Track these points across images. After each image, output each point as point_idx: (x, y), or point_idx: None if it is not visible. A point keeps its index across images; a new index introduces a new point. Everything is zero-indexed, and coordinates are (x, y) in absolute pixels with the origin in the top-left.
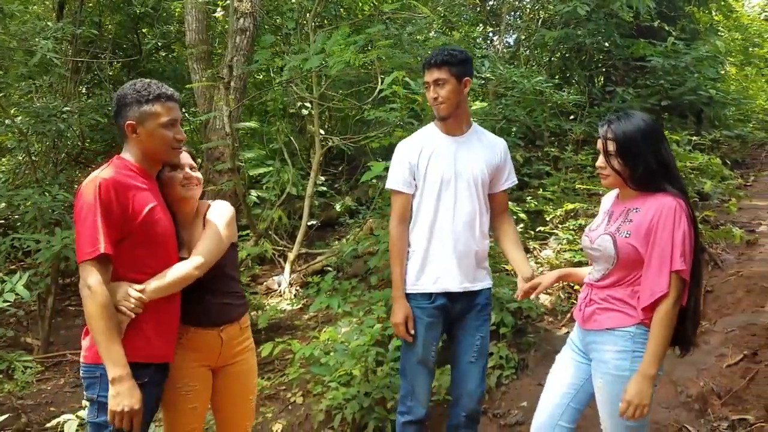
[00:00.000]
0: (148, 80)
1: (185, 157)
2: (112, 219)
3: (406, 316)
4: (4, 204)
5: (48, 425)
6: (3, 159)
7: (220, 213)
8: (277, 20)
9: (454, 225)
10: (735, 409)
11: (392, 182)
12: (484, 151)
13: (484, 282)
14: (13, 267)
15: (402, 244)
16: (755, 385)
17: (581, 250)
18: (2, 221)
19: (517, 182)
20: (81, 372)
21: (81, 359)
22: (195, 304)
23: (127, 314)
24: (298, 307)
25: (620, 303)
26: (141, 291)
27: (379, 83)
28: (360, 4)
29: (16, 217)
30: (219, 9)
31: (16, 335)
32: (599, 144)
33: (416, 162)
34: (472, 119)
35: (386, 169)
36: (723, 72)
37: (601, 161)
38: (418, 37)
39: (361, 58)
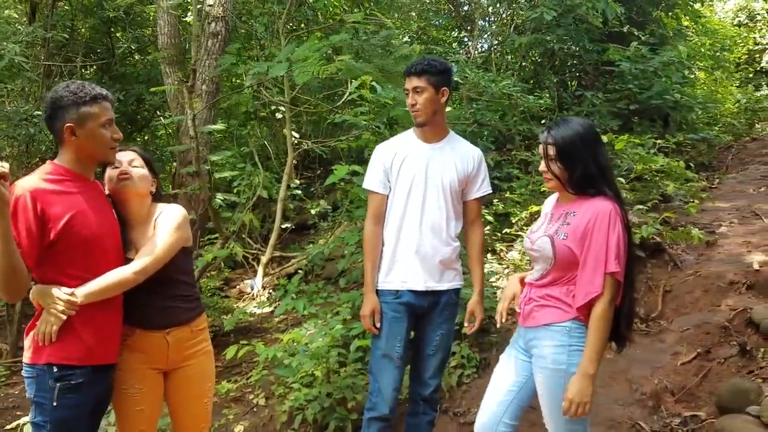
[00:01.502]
0: (80, 81)
1: (123, 155)
2: (28, 227)
3: (373, 310)
4: None
5: (8, 427)
6: None
7: (170, 217)
8: (252, 24)
9: (421, 228)
10: (688, 405)
11: (368, 183)
12: (457, 159)
13: (451, 282)
14: None
15: (374, 242)
16: (708, 382)
17: None
18: None
19: (491, 191)
20: (23, 372)
21: (23, 359)
22: (139, 306)
23: (58, 317)
24: (269, 310)
25: (556, 300)
26: (72, 294)
27: (349, 88)
28: (331, 10)
29: None
30: (189, 13)
31: None
32: (540, 149)
33: (390, 165)
34: (448, 128)
35: (351, 172)
36: (692, 76)
37: (542, 165)
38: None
39: (325, 70)
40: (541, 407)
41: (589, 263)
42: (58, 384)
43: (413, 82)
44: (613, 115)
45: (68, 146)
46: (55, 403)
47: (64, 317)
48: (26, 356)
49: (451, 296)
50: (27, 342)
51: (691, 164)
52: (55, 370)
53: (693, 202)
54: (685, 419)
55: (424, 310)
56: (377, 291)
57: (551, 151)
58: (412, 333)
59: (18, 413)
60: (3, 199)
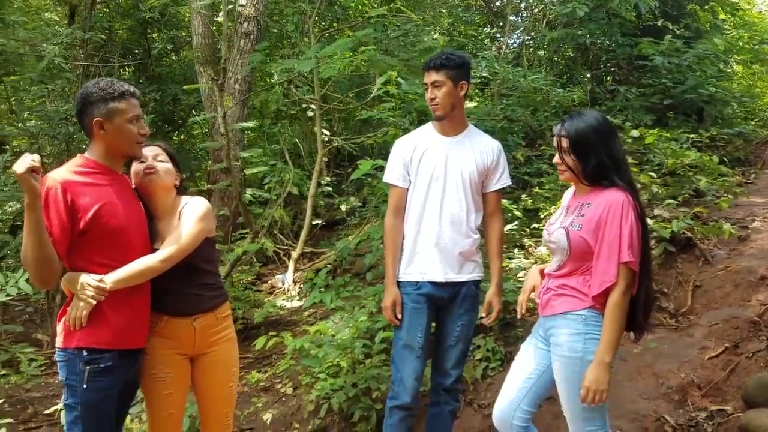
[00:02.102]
0: (110, 78)
1: (149, 150)
2: (59, 217)
3: (394, 301)
4: (20, 205)
5: (46, 412)
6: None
7: (195, 208)
8: (283, 24)
9: (440, 220)
10: (714, 399)
11: (388, 176)
12: (476, 152)
13: (471, 274)
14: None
15: (395, 235)
16: (735, 377)
17: None
18: (19, 222)
19: (510, 183)
20: (56, 356)
21: (56, 345)
22: (167, 294)
23: (88, 302)
24: (299, 304)
25: (572, 290)
26: (101, 281)
27: (376, 84)
28: (360, 8)
29: None
30: (221, 14)
31: (27, 331)
32: (554, 141)
33: (410, 158)
34: (468, 121)
35: (376, 167)
36: (729, 70)
37: (557, 158)
38: (409, 39)
39: (349, 64)
40: (559, 395)
41: (603, 253)
42: (87, 367)
43: (432, 77)
44: (646, 109)
45: (97, 140)
46: (85, 386)
47: (94, 302)
48: (58, 341)
49: (471, 288)
50: (59, 328)
51: (726, 159)
52: (85, 353)
53: (726, 197)
54: (711, 413)
55: (444, 302)
56: (398, 283)
57: (565, 143)
58: (434, 325)
59: (57, 401)
60: (35, 192)
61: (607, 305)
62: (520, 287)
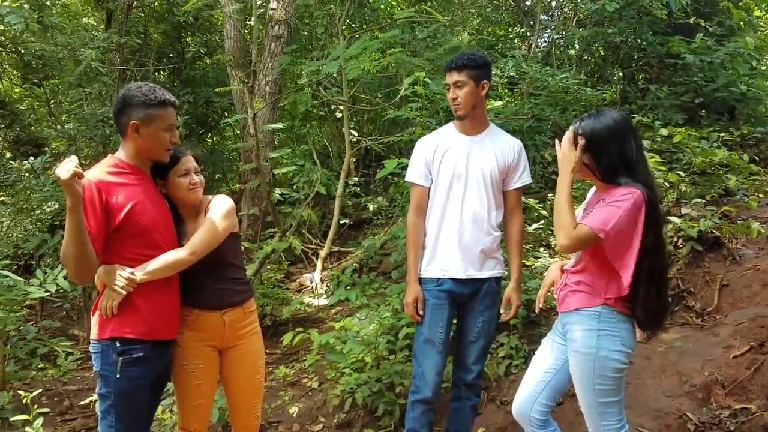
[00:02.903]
0: (153, 85)
1: (189, 161)
2: (96, 214)
3: (416, 298)
4: (58, 205)
5: (81, 403)
6: (57, 163)
7: (219, 206)
8: (313, 26)
9: (462, 218)
10: (738, 398)
11: (410, 175)
12: (497, 151)
13: (493, 271)
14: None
15: (417, 233)
16: (760, 376)
17: None
18: (57, 222)
19: (531, 182)
20: (90, 348)
21: (90, 337)
22: (198, 288)
23: (119, 292)
24: (326, 301)
25: (587, 286)
26: (132, 273)
27: (403, 84)
28: (389, 9)
29: None
30: (252, 17)
31: (64, 327)
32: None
33: (431, 157)
34: (489, 120)
35: (401, 166)
36: (765, 68)
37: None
38: (437, 40)
39: (376, 64)
40: (575, 389)
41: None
42: (120, 357)
43: (453, 77)
44: (678, 108)
45: (130, 141)
46: (118, 375)
47: (125, 293)
48: (93, 333)
49: (492, 284)
50: (93, 320)
51: (757, 157)
52: (118, 344)
53: (755, 196)
54: (734, 412)
55: (465, 298)
56: (420, 279)
57: (581, 141)
58: (455, 321)
59: (92, 394)
60: (78, 196)
61: None
62: None
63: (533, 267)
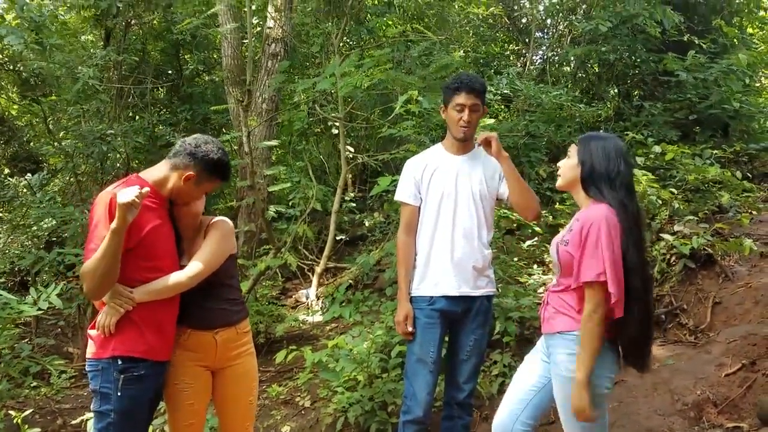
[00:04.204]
0: (222, 152)
1: None
2: None
3: (406, 315)
4: (55, 222)
5: (74, 422)
6: (55, 179)
7: (219, 228)
8: (309, 45)
9: (453, 235)
10: (730, 417)
11: (399, 195)
12: (486, 168)
13: (485, 289)
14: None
15: (407, 251)
16: (752, 394)
17: None
18: (54, 239)
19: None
20: (87, 367)
21: (87, 355)
22: (192, 307)
23: (117, 310)
24: (321, 318)
25: (569, 308)
26: (131, 292)
27: (398, 102)
28: (384, 28)
29: (65, 235)
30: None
31: (58, 344)
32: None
33: (420, 177)
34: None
35: (395, 183)
36: (757, 85)
37: (561, 162)
38: (433, 58)
39: (367, 81)
40: (558, 412)
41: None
42: (122, 375)
43: (472, 99)
44: (672, 125)
45: (171, 179)
46: (119, 393)
47: (122, 311)
48: (90, 352)
49: (483, 303)
50: (90, 339)
51: (750, 174)
52: (120, 362)
53: (748, 212)
54: (726, 430)
55: (457, 316)
56: (411, 298)
57: (572, 149)
58: (446, 339)
59: (85, 412)
60: (126, 222)
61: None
62: (539, 303)
63: (527, 284)
